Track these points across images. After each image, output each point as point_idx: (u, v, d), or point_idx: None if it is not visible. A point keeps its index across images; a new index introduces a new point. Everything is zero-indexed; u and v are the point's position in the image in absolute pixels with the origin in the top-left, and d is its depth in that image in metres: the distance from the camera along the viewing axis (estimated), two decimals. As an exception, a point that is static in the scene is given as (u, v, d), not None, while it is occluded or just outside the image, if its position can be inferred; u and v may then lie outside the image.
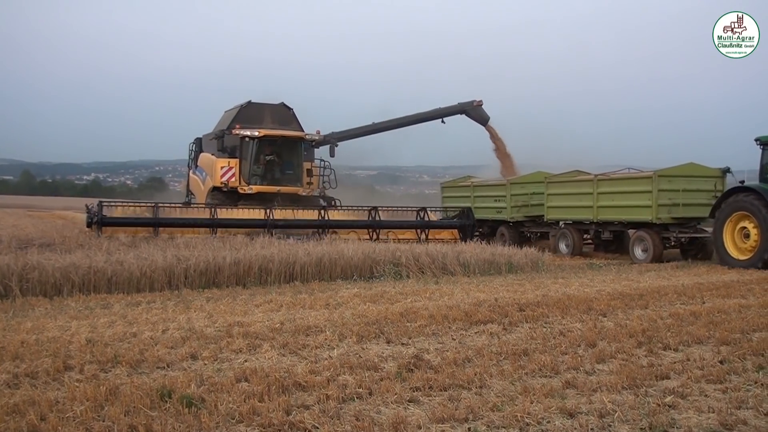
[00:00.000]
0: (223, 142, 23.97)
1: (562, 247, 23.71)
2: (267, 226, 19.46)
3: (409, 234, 21.64)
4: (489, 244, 20.57)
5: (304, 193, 24.66)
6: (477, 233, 26.82)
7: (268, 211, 20.06)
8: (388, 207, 23.76)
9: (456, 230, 23.09)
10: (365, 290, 13.29)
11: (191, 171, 28.54)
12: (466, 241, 20.71)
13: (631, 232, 22.41)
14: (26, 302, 11.67)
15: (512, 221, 25.99)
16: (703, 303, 11.84)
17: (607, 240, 23.27)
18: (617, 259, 22.18)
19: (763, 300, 12.18)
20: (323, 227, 20.35)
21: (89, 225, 19.09)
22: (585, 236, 23.90)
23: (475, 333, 9.12)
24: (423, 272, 15.97)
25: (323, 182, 25.62)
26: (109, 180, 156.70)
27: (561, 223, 24.39)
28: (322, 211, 21.27)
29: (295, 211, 21.28)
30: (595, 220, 22.69)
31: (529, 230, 26.21)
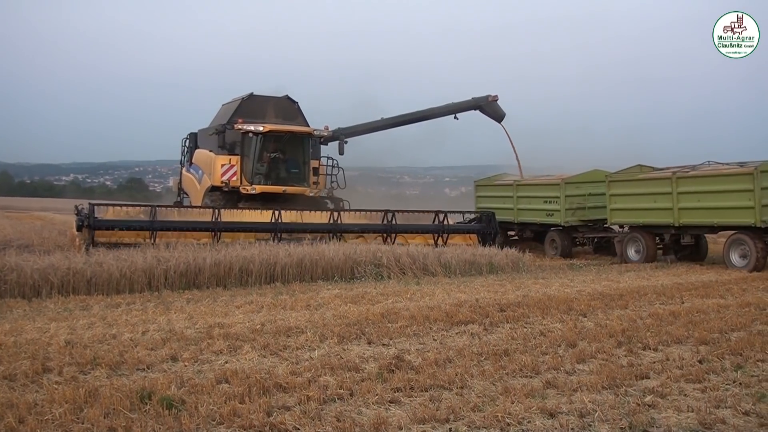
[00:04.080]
0: (224, 137, 22.01)
1: (631, 253, 20.91)
2: (276, 230, 18.13)
3: (420, 239, 20.10)
4: (522, 251, 19.00)
5: (311, 194, 22.71)
6: (515, 238, 25.30)
7: (275, 213, 18.37)
8: (402, 210, 21.37)
9: (475, 235, 20.94)
10: (346, 291, 13.28)
11: (184, 169, 26.32)
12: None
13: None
14: (4, 304, 11.57)
15: (566, 225, 23.22)
16: (683, 303, 11.94)
17: (685, 244, 20.54)
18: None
19: (741, 300, 12.30)
20: (335, 231, 18.77)
21: (79, 228, 17.12)
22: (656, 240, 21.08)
23: (456, 333, 9.14)
24: (404, 273, 15.98)
25: (331, 182, 23.98)
26: (89, 181, 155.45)
27: (625, 226, 21.94)
28: (334, 214, 19.43)
29: (302, 213, 19.61)
30: (676, 224, 19.76)
31: (584, 236, 23.65)
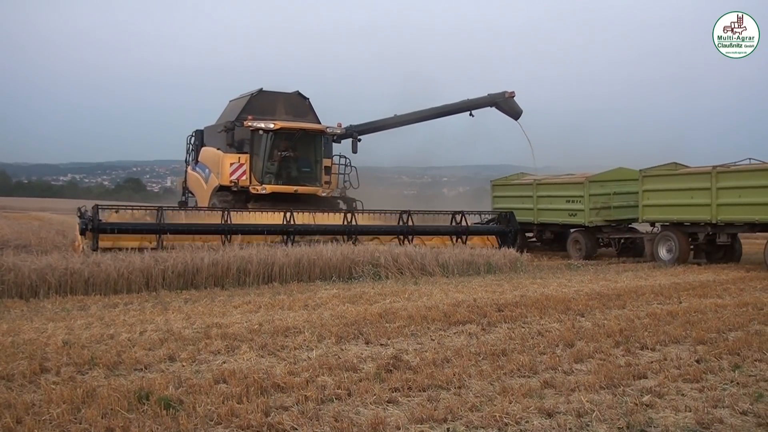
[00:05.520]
0: (233, 135, 21.14)
1: (663, 253, 20.06)
2: (289, 232, 17.42)
3: (437, 240, 19.62)
4: (526, 252, 18.59)
5: (323, 194, 22.03)
6: (532, 240, 24.70)
7: (288, 215, 17.76)
8: (419, 211, 20.67)
9: (494, 237, 20.36)
10: (344, 291, 13.28)
11: (189, 168, 25.43)
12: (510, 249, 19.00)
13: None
14: (1, 304, 11.57)
15: (590, 225, 22.28)
16: (680, 303, 11.95)
17: (720, 244, 19.69)
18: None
19: (739, 299, 12.32)
20: (350, 233, 18.25)
21: (83, 232, 16.23)
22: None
23: (454, 333, 9.14)
24: (402, 273, 15.96)
25: (344, 181, 23.09)
26: (86, 181, 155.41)
27: (656, 225, 21.13)
28: (349, 216, 18.85)
29: (314, 215, 19.00)
30: (714, 221, 18.92)
31: (609, 236, 22.65)
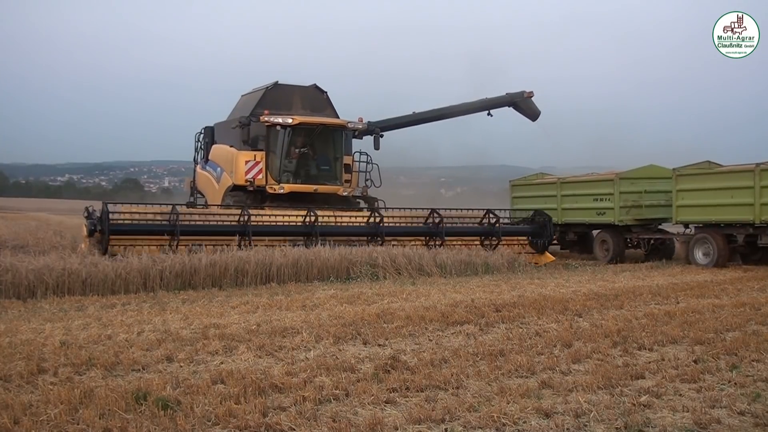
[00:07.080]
0: (249, 131, 20.06)
1: (699, 256, 19.25)
2: (312, 233, 16.98)
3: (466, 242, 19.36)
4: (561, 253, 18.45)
5: (344, 193, 21.07)
6: (554, 242, 23.61)
7: (310, 215, 17.28)
8: (446, 209, 20.09)
9: (527, 238, 20.19)
10: (342, 291, 13.28)
11: (199, 166, 24.18)
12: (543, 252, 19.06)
13: None
14: (-1, 304, 11.56)
15: (620, 224, 21.46)
16: (678, 303, 11.96)
17: (762, 246, 18.59)
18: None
19: (736, 300, 12.33)
20: (376, 234, 17.91)
21: (91, 233, 15.61)
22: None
23: (452, 334, 9.14)
24: (400, 273, 15.97)
25: (365, 179, 22.09)
26: (84, 181, 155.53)
27: (690, 226, 20.35)
28: (375, 216, 18.42)
29: (336, 215, 18.52)
30: (757, 222, 18.00)
31: (639, 236, 22.02)
